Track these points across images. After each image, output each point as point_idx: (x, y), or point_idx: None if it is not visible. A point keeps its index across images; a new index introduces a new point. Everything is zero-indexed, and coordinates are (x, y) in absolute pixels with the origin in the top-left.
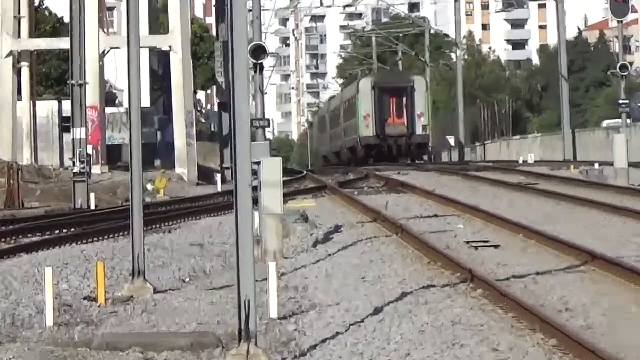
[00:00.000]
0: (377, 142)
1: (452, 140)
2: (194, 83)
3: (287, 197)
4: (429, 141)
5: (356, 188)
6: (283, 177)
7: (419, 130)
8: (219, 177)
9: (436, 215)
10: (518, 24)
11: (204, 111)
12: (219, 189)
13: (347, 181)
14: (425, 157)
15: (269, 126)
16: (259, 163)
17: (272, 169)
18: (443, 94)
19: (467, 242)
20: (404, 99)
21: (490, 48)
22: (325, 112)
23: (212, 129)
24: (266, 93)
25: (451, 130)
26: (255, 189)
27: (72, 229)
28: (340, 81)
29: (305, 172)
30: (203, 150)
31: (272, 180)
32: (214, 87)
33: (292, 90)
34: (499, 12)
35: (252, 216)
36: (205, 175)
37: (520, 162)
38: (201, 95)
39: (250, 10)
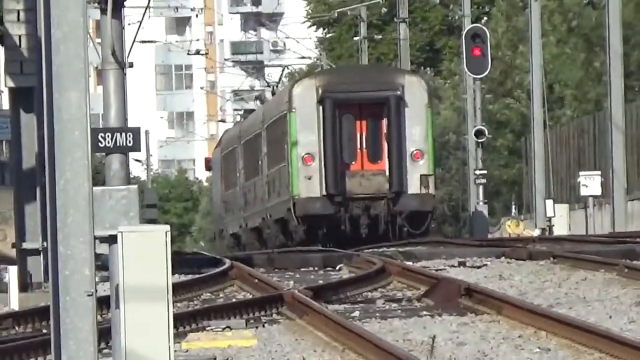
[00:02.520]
0: (329, 210)
1: (595, 183)
2: None
3: (187, 324)
4: (432, 207)
5: (357, 302)
6: (175, 273)
7: (413, 186)
8: (12, 273)
9: None
10: None
11: None
12: (14, 306)
13: (333, 284)
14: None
15: (138, 149)
16: (114, 238)
17: (146, 255)
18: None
19: None
20: (383, 124)
21: None
22: (235, 141)
23: None
24: (131, 66)
25: (583, 157)
26: (103, 302)
27: None
28: (318, 33)
29: (229, 262)
30: None
31: (148, 282)
32: (1, 52)
33: (195, 59)
34: None
35: None
36: None
37: None
38: None
39: None
